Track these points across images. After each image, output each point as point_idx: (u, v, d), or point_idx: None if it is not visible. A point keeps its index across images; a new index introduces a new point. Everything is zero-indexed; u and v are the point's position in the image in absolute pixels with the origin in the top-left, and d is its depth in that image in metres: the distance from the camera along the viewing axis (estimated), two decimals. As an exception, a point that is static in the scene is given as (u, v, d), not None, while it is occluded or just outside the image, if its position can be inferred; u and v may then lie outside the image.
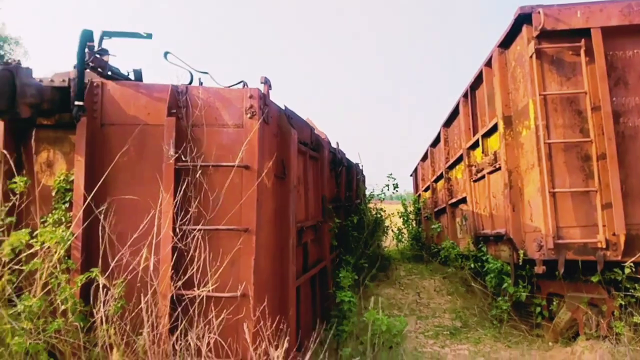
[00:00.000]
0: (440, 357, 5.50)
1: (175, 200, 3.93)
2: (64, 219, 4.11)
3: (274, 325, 3.97)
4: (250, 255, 3.97)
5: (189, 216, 3.97)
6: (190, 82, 4.41)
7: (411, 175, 17.20)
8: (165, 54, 4.27)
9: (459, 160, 8.99)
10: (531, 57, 5.60)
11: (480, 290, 7.34)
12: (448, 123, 10.10)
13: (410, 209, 12.88)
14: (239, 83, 4.24)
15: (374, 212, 10.24)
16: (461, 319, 6.93)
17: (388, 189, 10.89)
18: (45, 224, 4.08)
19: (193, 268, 3.88)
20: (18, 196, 4.00)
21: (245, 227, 3.98)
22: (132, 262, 3.85)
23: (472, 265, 7.59)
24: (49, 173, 4.31)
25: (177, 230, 3.92)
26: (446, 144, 10.20)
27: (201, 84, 4.40)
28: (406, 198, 13.13)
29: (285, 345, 3.71)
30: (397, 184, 10.89)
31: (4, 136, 4.21)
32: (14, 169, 4.17)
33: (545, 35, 5.54)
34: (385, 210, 10.79)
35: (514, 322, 6.31)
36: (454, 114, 9.40)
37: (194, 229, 3.91)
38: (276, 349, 3.63)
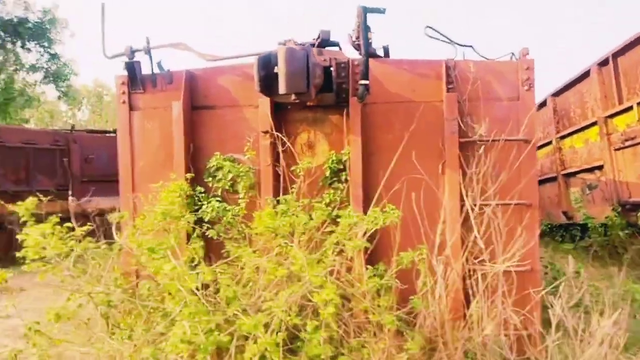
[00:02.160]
0: None
1: (468, 176, 3.93)
2: (337, 200, 4.11)
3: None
4: (534, 229, 3.98)
5: (472, 191, 3.97)
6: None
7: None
8: (426, 27, 4.19)
9: (579, 130, 8.95)
10: None
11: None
12: (559, 93, 10.03)
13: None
14: (506, 55, 4.19)
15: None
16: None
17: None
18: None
19: (481, 242, 3.90)
20: (301, 177, 4.01)
21: (529, 202, 3.98)
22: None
23: (620, 234, 7.61)
24: (310, 154, 4.29)
25: (470, 205, 3.92)
26: (555, 114, 10.13)
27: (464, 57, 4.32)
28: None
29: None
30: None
31: (272, 117, 4.18)
32: (280, 151, 4.18)
33: None
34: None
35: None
36: (572, 84, 9.33)
37: (486, 204, 3.91)
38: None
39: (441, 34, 4.18)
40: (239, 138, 4.41)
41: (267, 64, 3.91)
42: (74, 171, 11.11)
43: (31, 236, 3.30)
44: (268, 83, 3.88)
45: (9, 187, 9.82)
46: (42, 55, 18.49)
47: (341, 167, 4.15)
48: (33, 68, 18.64)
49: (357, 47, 4.12)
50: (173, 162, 4.43)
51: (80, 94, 24.63)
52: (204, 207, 4.00)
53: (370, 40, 4.15)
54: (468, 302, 3.86)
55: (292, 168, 4.14)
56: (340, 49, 4.35)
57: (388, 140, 4.15)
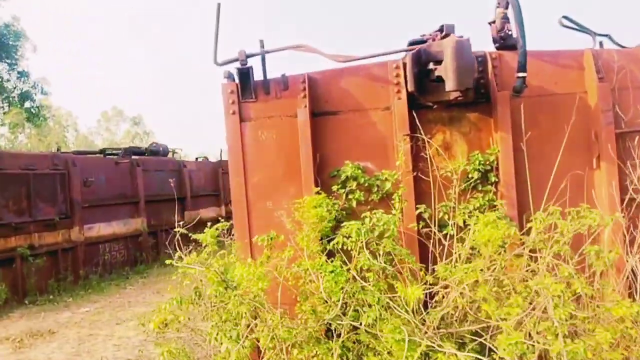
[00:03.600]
0: None
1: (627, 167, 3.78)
2: (487, 204, 3.85)
3: None
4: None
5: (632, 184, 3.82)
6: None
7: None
8: (562, 17, 4.03)
9: None
10: None
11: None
12: None
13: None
14: (643, 43, 4.08)
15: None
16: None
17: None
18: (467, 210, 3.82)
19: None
20: (456, 181, 3.72)
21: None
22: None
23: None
24: (447, 156, 4.01)
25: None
26: None
27: (601, 46, 4.19)
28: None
29: None
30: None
31: (409, 117, 3.89)
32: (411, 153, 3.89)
33: None
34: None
35: None
36: None
37: (649, 195, 3.76)
38: None
39: (577, 24, 4.03)
40: (364, 144, 4.08)
41: (418, 60, 3.63)
42: (74, 197, 10.25)
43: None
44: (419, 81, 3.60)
45: (11, 219, 8.89)
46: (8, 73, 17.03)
47: (488, 167, 3.89)
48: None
49: (499, 40, 3.90)
50: (293, 175, 4.05)
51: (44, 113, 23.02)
52: (372, 219, 3.56)
53: (510, 31, 3.95)
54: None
55: (442, 171, 3.85)
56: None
57: (533, 137, 3.94)
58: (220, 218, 14.40)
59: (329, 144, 4.09)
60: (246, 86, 4.07)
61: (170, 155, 15.39)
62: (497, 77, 3.96)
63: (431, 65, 3.56)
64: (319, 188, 3.78)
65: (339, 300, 2.93)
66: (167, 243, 12.47)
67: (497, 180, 3.88)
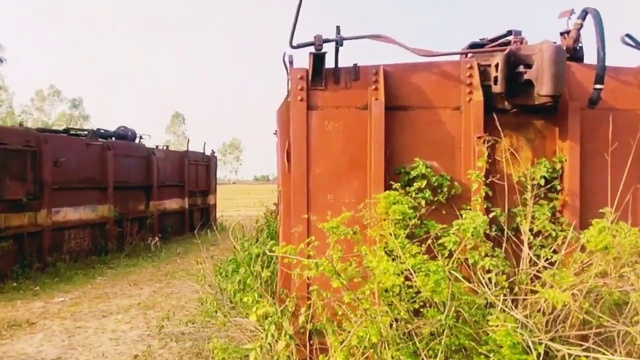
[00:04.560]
0: None
1: None
2: (550, 212, 3.90)
3: None
4: None
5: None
6: None
7: None
8: (625, 35, 4.16)
9: None
10: None
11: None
12: None
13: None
14: None
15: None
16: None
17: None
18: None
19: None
20: (530, 186, 3.74)
21: None
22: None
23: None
24: (512, 161, 4.03)
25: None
26: None
27: None
28: None
29: None
30: None
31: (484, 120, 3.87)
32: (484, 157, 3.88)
33: None
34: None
35: None
36: None
37: None
38: None
39: (637, 42, 4.17)
40: (431, 143, 4.02)
41: (508, 62, 3.61)
42: (45, 177, 9.47)
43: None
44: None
45: (-24, 197, 8.07)
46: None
47: (554, 175, 3.95)
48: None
49: (571, 50, 3.97)
50: (357, 169, 3.93)
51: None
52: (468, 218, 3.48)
53: (581, 44, 4.04)
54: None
55: (518, 176, 3.85)
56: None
57: (591, 149, 4.04)
58: (183, 210, 13.87)
59: (396, 139, 3.99)
60: (318, 73, 3.89)
61: (137, 140, 14.61)
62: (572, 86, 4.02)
63: (521, 68, 3.56)
64: (398, 184, 3.67)
65: (446, 301, 2.83)
66: (133, 233, 11.85)
67: (561, 188, 3.94)
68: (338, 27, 3.83)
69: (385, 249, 3.34)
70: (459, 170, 3.99)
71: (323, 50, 3.83)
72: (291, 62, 4.15)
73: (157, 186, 13.91)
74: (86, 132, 12.49)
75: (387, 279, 2.63)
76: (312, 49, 3.87)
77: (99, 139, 12.11)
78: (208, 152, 18.51)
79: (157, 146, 16.29)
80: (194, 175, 17.00)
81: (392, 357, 2.86)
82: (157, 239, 13.14)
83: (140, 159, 13.47)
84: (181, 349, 5.27)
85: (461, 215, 3.72)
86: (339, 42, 3.83)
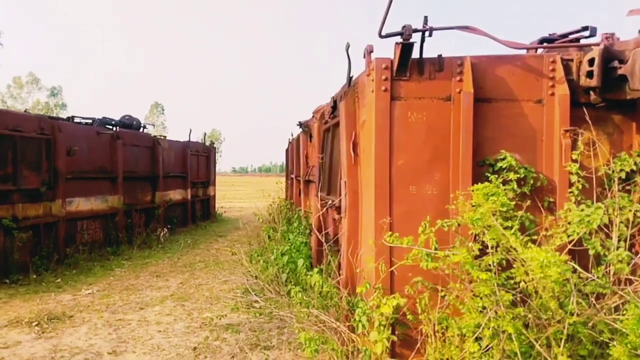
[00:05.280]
0: None
1: None
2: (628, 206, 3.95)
3: None
4: None
5: None
6: None
7: None
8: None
9: None
10: None
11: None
12: None
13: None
14: None
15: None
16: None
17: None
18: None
19: None
20: (615, 180, 3.78)
21: None
22: None
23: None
24: (590, 154, 4.07)
25: None
26: None
27: None
28: None
29: None
30: None
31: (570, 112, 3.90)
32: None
33: None
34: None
35: None
36: None
37: None
38: None
39: None
40: (514, 136, 4.04)
41: (604, 57, 3.63)
42: (59, 166, 9.21)
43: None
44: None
45: (-5, 186, 7.81)
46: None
47: (634, 168, 4.00)
48: None
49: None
50: (440, 160, 3.93)
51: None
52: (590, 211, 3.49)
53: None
54: None
55: (604, 169, 3.89)
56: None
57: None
58: (186, 202, 13.74)
59: (479, 131, 3.99)
60: (404, 63, 3.85)
61: (141, 130, 14.30)
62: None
63: (615, 64, 3.59)
64: (493, 176, 3.67)
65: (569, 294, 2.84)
66: (140, 225, 11.68)
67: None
68: (426, 17, 3.80)
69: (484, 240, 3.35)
70: (540, 162, 4.02)
71: (411, 41, 3.80)
72: (370, 52, 4.09)
73: (162, 177, 13.69)
74: (90, 121, 12.18)
75: (549, 270, 2.62)
76: (397, 39, 3.83)
77: (104, 127, 11.84)
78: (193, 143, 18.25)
79: (155, 137, 16.00)
80: (195, 166, 16.77)
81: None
82: (165, 230, 13.00)
83: (146, 148, 13.21)
84: (236, 340, 5.20)
85: (547, 207, 3.77)
86: (427, 33, 3.79)
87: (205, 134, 18.45)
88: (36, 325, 5.71)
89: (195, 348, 5.00)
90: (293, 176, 12.77)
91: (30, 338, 5.33)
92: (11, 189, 8.13)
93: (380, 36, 3.76)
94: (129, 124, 13.56)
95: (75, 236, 9.87)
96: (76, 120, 11.96)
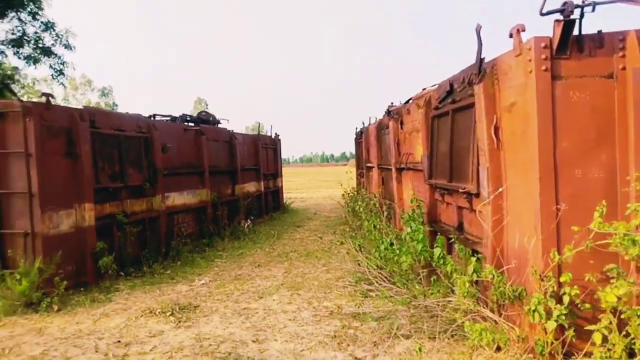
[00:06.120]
0: None
1: None
2: None
3: None
4: None
5: None
6: None
7: None
8: None
9: None
10: None
11: None
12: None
13: None
14: None
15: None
16: None
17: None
18: None
19: None
20: None
21: None
22: None
23: None
24: None
25: None
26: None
27: None
28: None
29: None
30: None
31: None
32: None
33: None
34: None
35: None
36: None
37: None
38: None
39: None
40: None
41: None
42: (157, 163, 9.58)
43: None
44: None
45: (107, 184, 8.21)
46: (25, 24, 15.41)
47: None
48: (17, 42, 15.67)
49: None
50: (605, 141, 3.78)
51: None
52: None
53: None
54: None
55: None
56: None
57: None
58: (260, 193, 14.01)
59: None
60: (565, 40, 3.72)
61: (217, 125, 14.64)
62: None
63: None
64: None
65: None
66: (224, 217, 11.97)
67: None
68: (587, -8, 3.65)
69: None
70: None
71: (573, 17, 3.66)
72: (521, 32, 3.98)
73: (240, 170, 14.00)
74: (169, 118, 12.57)
75: None
76: (557, 16, 3.71)
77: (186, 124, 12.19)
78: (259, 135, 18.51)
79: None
80: (265, 158, 17.04)
81: None
82: (249, 221, 13.32)
83: (225, 143, 13.53)
84: (367, 328, 5.26)
85: None
86: (590, 7, 3.64)
87: (271, 126, 18.69)
88: (170, 315, 5.99)
89: (335, 336, 5.09)
90: (372, 165, 12.72)
91: (170, 327, 5.59)
92: (120, 186, 8.54)
93: (541, 14, 3.64)
94: (207, 120, 13.91)
95: (173, 229, 10.26)
96: (157, 118, 12.39)
